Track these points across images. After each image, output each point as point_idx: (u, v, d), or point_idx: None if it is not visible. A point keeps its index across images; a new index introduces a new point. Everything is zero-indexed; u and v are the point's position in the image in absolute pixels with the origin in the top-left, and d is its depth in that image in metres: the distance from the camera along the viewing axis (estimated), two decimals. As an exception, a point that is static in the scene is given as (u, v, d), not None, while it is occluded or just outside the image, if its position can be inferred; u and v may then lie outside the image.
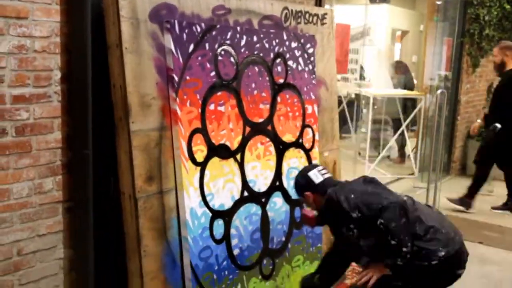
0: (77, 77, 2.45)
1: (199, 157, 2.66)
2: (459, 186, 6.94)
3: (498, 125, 5.41)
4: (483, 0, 7.17)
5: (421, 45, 7.48)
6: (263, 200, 3.04)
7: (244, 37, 2.88)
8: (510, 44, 5.58)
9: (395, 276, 2.65)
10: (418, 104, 7.35)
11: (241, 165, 2.89)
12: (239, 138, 2.88)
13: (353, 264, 3.01)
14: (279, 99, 3.13)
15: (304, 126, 3.32)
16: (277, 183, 3.14)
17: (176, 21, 2.52)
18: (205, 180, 2.68)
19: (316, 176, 2.81)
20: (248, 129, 2.93)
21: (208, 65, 2.69)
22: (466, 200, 5.77)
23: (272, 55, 3.07)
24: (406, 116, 7.35)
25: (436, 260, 2.60)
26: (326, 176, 2.84)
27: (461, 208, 5.74)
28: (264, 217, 3.05)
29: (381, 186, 2.82)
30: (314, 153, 3.41)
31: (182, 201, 2.59)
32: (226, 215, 2.81)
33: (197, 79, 2.63)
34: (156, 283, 2.53)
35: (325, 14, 3.55)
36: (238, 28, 2.86)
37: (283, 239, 3.19)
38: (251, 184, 2.95)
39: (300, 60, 3.28)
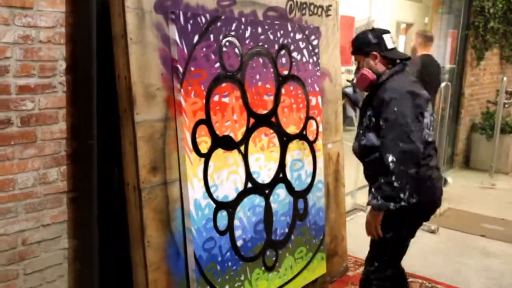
0: (82, 68, 2.46)
1: (203, 148, 2.66)
2: (463, 178, 6.96)
3: None
4: (488, -8, 7.14)
5: (426, 37, 7.43)
6: (266, 191, 3.05)
7: (249, 28, 2.88)
8: (425, 33, 5.74)
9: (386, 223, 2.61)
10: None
11: (245, 157, 2.90)
12: (243, 129, 2.88)
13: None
14: (283, 90, 3.12)
15: (308, 118, 3.32)
16: (281, 175, 3.14)
17: (181, 12, 2.52)
18: (209, 171, 2.69)
19: (389, 42, 2.71)
20: (252, 120, 2.93)
21: (213, 56, 2.68)
22: None
23: (276, 47, 3.06)
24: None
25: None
26: (394, 45, 2.74)
27: None
28: (268, 209, 3.06)
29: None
30: (318, 145, 3.41)
31: (186, 192, 2.60)
32: (229, 207, 2.82)
33: (201, 70, 2.63)
34: (159, 273, 2.54)
35: (330, 5, 3.54)
36: (243, 20, 2.85)
37: (286, 230, 3.20)
38: (254, 176, 2.96)
39: (305, 51, 3.27)
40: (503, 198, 6.17)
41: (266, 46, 2.98)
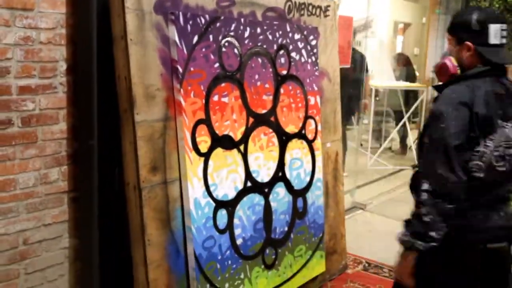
0: (82, 69, 2.47)
1: (203, 148, 2.68)
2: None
3: None
4: (485, -8, 7.17)
5: (423, 37, 7.48)
6: (266, 190, 3.07)
7: (248, 28, 2.90)
8: None
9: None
10: (420, 96, 7.37)
11: (244, 156, 2.92)
12: (243, 129, 2.90)
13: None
14: (282, 90, 3.14)
15: (306, 117, 3.34)
16: (280, 174, 3.16)
17: (180, 13, 2.54)
18: (209, 170, 2.71)
19: (495, 35, 2.08)
20: (251, 120, 2.95)
21: (212, 57, 2.70)
22: None
23: (275, 47, 3.08)
24: (408, 108, 7.36)
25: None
26: (504, 41, 2.10)
27: None
28: (267, 207, 3.08)
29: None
30: (317, 144, 3.43)
31: (186, 191, 2.61)
32: (229, 205, 2.84)
33: (201, 70, 2.65)
34: (160, 272, 2.56)
35: (328, 6, 3.56)
36: (242, 20, 2.87)
37: (286, 229, 3.22)
38: (254, 175, 2.98)
39: (303, 51, 3.29)
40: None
41: (265, 46, 3.01)
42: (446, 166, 1.95)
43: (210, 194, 2.72)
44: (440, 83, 2.22)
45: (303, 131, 3.32)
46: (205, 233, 2.70)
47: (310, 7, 3.39)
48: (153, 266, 2.52)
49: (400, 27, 10.82)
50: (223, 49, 2.76)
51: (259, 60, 2.97)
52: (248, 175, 2.94)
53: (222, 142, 2.78)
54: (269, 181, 3.09)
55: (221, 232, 2.79)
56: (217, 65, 2.73)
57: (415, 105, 7.37)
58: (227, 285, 2.84)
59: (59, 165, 2.51)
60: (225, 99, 2.78)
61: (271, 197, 3.10)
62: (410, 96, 7.68)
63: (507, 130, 2.06)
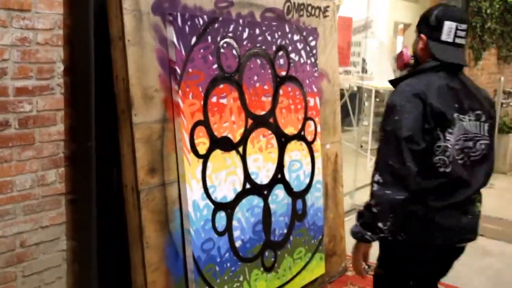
0: (80, 70, 2.46)
1: (202, 150, 2.66)
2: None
3: None
4: (485, -7, 7.17)
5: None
6: (265, 192, 3.05)
7: (247, 29, 2.88)
8: None
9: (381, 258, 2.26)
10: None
11: (243, 158, 2.90)
12: (241, 130, 2.89)
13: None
14: (281, 91, 3.13)
15: (306, 118, 3.33)
16: (279, 176, 3.15)
17: (178, 14, 2.52)
18: (208, 172, 2.69)
19: (449, 33, 2.13)
20: (250, 121, 2.93)
21: (211, 58, 2.69)
22: None
23: (274, 48, 3.07)
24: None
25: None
26: (461, 42, 2.15)
27: None
28: (266, 210, 3.06)
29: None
30: (316, 145, 3.41)
31: (184, 193, 2.60)
32: (228, 207, 2.82)
33: (199, 72, 2.63)
34: (158, 274, 2.55)
35: (327, 7, 3.54)
36: (241, 21, 2.86)
37: (285, 231, 3.20)
38: (253, 177, 2.96)
39: (303, 52, 3.28)
40: (501, 198, 6.18)
41: (264, 47, 2.99)
42: (397, 157, 1.98)
43: (208, 196, 2.70)
44: (395, 78, 2.31)
45: (302, 133, 3.30)
46: (204, 235, 2.68)
47: (309, 8, 3.38)
48: (151, 268, 2.51)
49: (400, 28, 10.81)
50: (222, 50, 2.74)
51: (258, 61, 2.96)
52: (247, 177, 2.93)
53: (221, 143, 2.77)
54: (268, 183, 3.07)
55: (220, 234, 2.78)
56: (215, 66, 2.72)
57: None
58: (226, 287, 2.82)
59: (56, 167, 2.49)
60: (224, 101, 2.77)
61: (270, 199, 3.08)
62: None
63: (465, 124, 2.12)
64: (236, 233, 2.87)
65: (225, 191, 2.80)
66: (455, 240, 2.20)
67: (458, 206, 2.14)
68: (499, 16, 7.51)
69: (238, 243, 2.89)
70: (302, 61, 3.27)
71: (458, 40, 2.15)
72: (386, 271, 2.31)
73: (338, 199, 3.76)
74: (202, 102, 2.65)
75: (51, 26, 2.37)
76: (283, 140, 3.16)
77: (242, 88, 2.87)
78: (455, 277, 3.98)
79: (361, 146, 7.52)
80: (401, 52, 2.32)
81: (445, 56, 2.14)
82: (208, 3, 2.72)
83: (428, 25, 2.18)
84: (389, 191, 1.98)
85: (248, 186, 2.93)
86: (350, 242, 3.83)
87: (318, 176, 3.44)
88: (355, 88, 7.79)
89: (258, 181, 3.00)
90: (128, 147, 2.45)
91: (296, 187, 3.27)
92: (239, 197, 2.88)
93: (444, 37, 2.14)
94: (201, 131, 2.65)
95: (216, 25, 2.71)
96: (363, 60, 7.55)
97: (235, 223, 2.86)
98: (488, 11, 7.22)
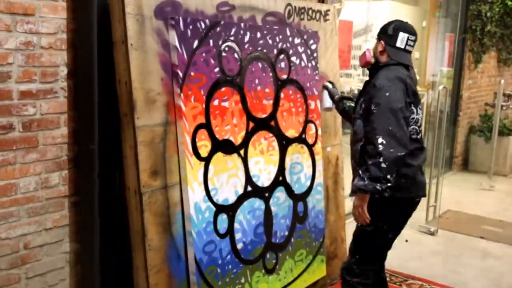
0: (83, 73, 2.48)
1: (203, 152, 2.68)
2: (461, 181, 6.98)
3: None
4: (485, -4, 7.19)
5: (423, 41, 7.48)
6: (266, 194, 3.07)
7: (248, 33, 2.90)
8: None
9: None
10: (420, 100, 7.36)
11: (244, 160, 2.92)
12: (243, 133, 2.91)
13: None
14: (282, 95, 3.15)
15: (307, 121, 3.35)
16: (280, 178, 3.16)
17: (180, 18, 2.55)
18: (209, 175, 2.71)
19: (402, 41, 2.76)
20: (251, 124, 2.95)
21: (212, 61, 2.71)
22: None
23: (275, 51, 3.09)
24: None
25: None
26: (409, 49, 2.78)
27: None
28: (268, 212, 3.08)
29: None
30: (317, 148, 3.43)
31: (186, 195, 2.62)
32: (230, 210, 2.84)
33: (201, 75, 2.66)
34: (160, 276, 2.56)
35: (328, 10, 3.57)
36: (242, 25, 2.88)
37: (286, 233, 3.22)
38: (254, 179, 2.98)
39: (303, 56, 3.30)
40: (502, 200, 6.19)
41: (265, 50, 3.01)
42: (395, 123, 2.54)
43: (210, 198, 2.72)
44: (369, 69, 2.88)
45: (303, 136, 3.32)
46: (206, 237, 2.70)
47: (310, 12, 3.40)
48: (153, 270, 2.53)
49: (400, 31, 10.80)
50: (223, 54, 2.77)
51: (259, 64, 2.98)
52: (249, 179, 2.95)
53: (223, 146, 2.79)
54: (270, 186, 3.09)
55: (222, 236, 2.80)
56: (217, 69, 2.74)
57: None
58: (227, 289, 2.84)
59: (60, 170, 2.51)
60: (225, 104, 2.79)
61: (271, 201, 3.10)
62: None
63: (419, 104, 2.80)
64: (237, 235, 2.89)
65: (227, 193, 2.82)
66: (420, 194, 2.82)
67: (420, 166, 2.80)
68: (499, 19, 7.53)
69: (239, 245, 2.90)
70: (303, 64, 3.30)
71: (408, 48, 2.79)
72: (373, 226, 2.72)
73: (339, 202, 3.77)
74: (204, 105, 2.68)
75: (55, 30, 2.40)
76: (284, 143, 3.18)
77: (244, 91, 2.89)
78: (455, 278, 4.00)
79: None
80: (364, 53, 2.87)
81: (397, 57, 2.76)
82: (210, 7, 2.75)
83: (386, 34, 2.80)
84: (392, 149, 2.51)
85: (249, 188, 2.95)
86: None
87: (319, 178, 3.46)
88: (356, 91, 7.80)
89: (259, 183, 3.02)
90: (130, 150, 2.47)
91: (297, 189, 3.29)
92: (241, 199, 2.90)
93: (398, 44, 2.77)
94: (203, 134, 2.68)
95: (218, 29, 2.73)
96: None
97: (236, 225, 2.88)
98: (488, 14, 7.24)
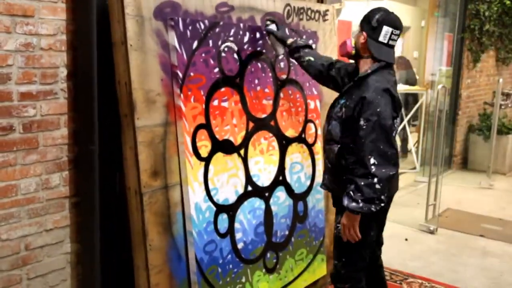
0: (83, 74, 2.48)
1: (203, 152, 2.69)
2: (461, 180, 7.00)
3: None
4: (484, -5, 7.20)
5: (422, 40, 7.50)
6: (266, 194, 3.08)
7: (247, 33, 2.91)
8: None
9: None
10: (419, 99, 7.38)
11: (244, 160, 2.93)
12: (243, 133, 2.91)
13: None
14: (282, 94, 3.16)
15: (306, 121, 3.36)
16: (280, 178, 3.17)
17: (180, 19, 2.55)
18: (210, 175, 2.72)
19: (385, 36, 2.59)
20: (251, 124, 2.96)
21: (212, 62, 2.72)
22: None
23: (275, 52, 3.09)
24: (408, 111, 7.38)
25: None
26: (392, 43, 2.62)
27: None
28: (268, 211, 3.09)
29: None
30: (317, 147, 3.44)
31: (186, 196, 2.63)
32: (230, 210, 2.85)
33: (201, 75, 2.66)
34: (161, 276, 2.57)
35: (327, 10, 3.58)
36: (241, 25, 2.89)
37: (287, 233, 3.23)
38: (254, 179, 2.99)
39: (302, 56, 3.30)
40: (501, 198, 6.21)
41: (264, 51, 3.02)
42: (386, 142, 2.47)
43: (210, 198, 2.73)
44: (358, 76, 2.69)
45: (303, 135, 3.33)
46: (206, 237, 2.71)
47: (309, 12, 3.41)
48: (154, 271, 2.53)
49: (399, 31, 10.81)
50: (223, 54, 2.78)
51: (259, 64, 2.99)
52: (249, 179, 2.95)
53: (223, 146, 2.79)
54: (270, 185, 3.10)
55: (222, 236, 2.80)
56: (216, 70, 2.75)
57: (414, 108, 7.39)
58: (228, 289, 2.85)
59: (60, 171, 2.51)
60: (225, 104, 2.80)
61: (271, 201, 3.11)
62: (409, 99, 7.70)
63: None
64: (238, 235, 2.90)
65: (227, 193, 2.83)
66: (393, 192, 2.78)
67: (397, 174, 2.69)
68: (497, 18, 7.54)
69: (240, 245, 2.91)
70: (302, 64, 3.30)
71: (391, 42, 2.62)
72: (360, 239, 2.66)
73: (339, 201, 3.78)
74: (203, 106, 2.68)
75: (55, 31, 2.40)
76: (284, 143, 3.19)
77: (243, 92, 2.90)
78: (455, 277, 4.01)
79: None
80: (345, 42, 2.72)
81: (380, 55, 2.60)
82: (209, 8, 2.75)
83: (369, 25, 2.61)
84: (384, 169, 2.45)
85: (249, 188, 2.96)
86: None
87: (319, 178, 3.46)
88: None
89: (259, 183, 3.03)
90: (130, 151, 2.48)
91: (297, 189, 3.29)
92: (241, 199, 2.91)
93: (381, 38, 2.60)
94: (203, 134, 2.68)
95: (217, 30, 2.74)
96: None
97: (237, 225, 2.89)
98: (486, 13, 7.26)
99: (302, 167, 3.33)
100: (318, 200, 3.46)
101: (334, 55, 3.66)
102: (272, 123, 3.10)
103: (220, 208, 2.79)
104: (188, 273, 2.69)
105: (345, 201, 2.53)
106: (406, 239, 4.72)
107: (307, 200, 3.36)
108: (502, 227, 5.22)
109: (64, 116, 2.49)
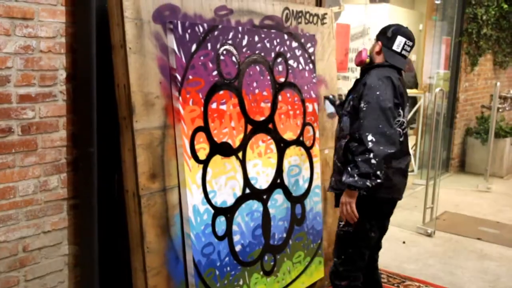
0: (82, 77, 2.49)
1: (202, 155, 2.70)
2: (458, 183, 7.01)
3: None
4: (481, -1, 7.23)
5: (420, 44, 7.51)
6: (264, 197, 3.09)
7: (246, 37, 2.92)
8: None
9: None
10: (417, 102, 7.40)
11: (242, 163, 2.94)
12: (241, 136, 2.92)
13: None
14: (280, 97, 3.17)
15: (304, 124, 3.37)
16: (278, 181, 3.18)
17: (179, 22, 2.56)
18: (208, 177, 2.73)
19: (399, 45, 2.82)
20: (249, 127, 2.97)
21: (211, 65, 2.73)
22: None
23: (273, 55, 3.11)
24: (406, 114, 7.38)
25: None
26: (405, 54, 2.85)
27: None
28: (266, 214, 3.09)
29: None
30: (315, 150, 3.45)
31: (185, 198, 2.63)
32: (228, 212, 2.86)
33: (199, 78, 2.67)
34: (159, 278, 2.57)
35: (325, 14, 3.59)
36: (240, 28, 2.90)
37: (284, 235, 3.23)
38: (252, 182, 3.00)
39: (301, 59, 3.32)
40: (499, 201, 6.22)
41: (263, 54, 3.03)
42: (385, 121, 2.58)
43: (209, 201, 2.74)
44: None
45: (301, 138, 3.34)
46: (204, 239, 2.71)
47: (308, 15, 3.42)
48: (152, 273, 2.54)
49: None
50: (221, 57, 2.79)
51: (257, 68, 3.00)
52: (247, 181, 2.96)
53: (221, 149, 2.80)
54: (268, 188, 3.11)
55: (220, 238, 2.81)
56: (215, 73, 2.75)
57: (413, 111, 7.40)
58: (226, 291, 2.85)
59: (58, 173, 2.52)
60: (224, 107, 2.81)
61: (269, 203, 3.12)
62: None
63: (406, 108, 2.84)
64: (236, 238, 2.90)
65: (225, 196, 2.84)
66: (396, 196, 2.87)
67: (402, 170, 2.84)
68: (495, 22, 7.57)
69: (238, 247, 2.92)
70: (300, 67, 3.31)
71: (404, 52, 2.85)
72: (354, 227, 2.77)
73: (337, 204, 3.79)
74: (202, 109, 2.69)
75: (54, 34, 2.41)
76: (282, 146, 3.20)
77: (242, 95, 2.91)
78: (452, 280, 4.02)
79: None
80: (360, 52, 2.94)
81: (393, 61, 2.82)
82: (208, 11, 2.76)
83: (385, 36, 2.87)
84: (382, 147, 2.55)
85: (247, 191, 2.97)
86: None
87: (317, 181, 3.47)
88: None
89: (257, 186, 3.03)
90: (129, 153, 2.48)
91: (295, 191, 3.30)
92: (239, 201, 2.92)
93: (394, 47, 2.83)
94: (201, 137, 2.69)
95: (216, 33, 2.75)
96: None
97: (235, 227, 2.90)
98: (484, 17, 7.28)
99: (300, 169, 3.34)
100: (316, 202, 3.47)
101: (332, 58, 3.68)
102: (270, 126, 3.11)
103: (218, 211, 2.80)
104: (185, 276, 2.69)
105: (343, 177, 2.64)
106: (404, 242, 4.73)
107: (305, 203, 3.37)
108: (500, 230, 5.24)
109: (63, 119, 2.50)
